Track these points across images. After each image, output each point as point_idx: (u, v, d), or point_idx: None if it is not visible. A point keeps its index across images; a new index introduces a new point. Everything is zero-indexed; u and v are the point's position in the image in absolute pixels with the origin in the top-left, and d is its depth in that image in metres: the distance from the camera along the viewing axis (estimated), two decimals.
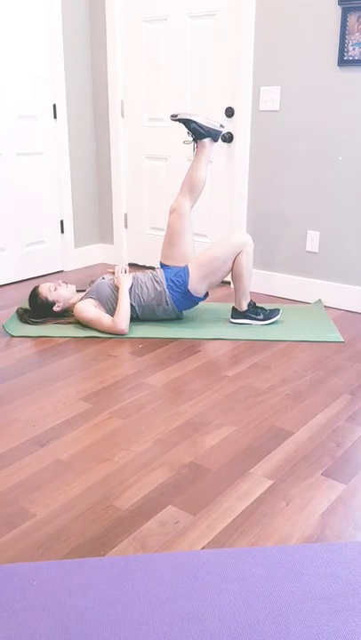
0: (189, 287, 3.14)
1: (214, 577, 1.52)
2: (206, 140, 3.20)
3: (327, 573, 1.54)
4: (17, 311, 3.37)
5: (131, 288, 3.17)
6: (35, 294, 3.26)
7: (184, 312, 3.35)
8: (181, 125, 3.64)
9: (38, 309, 3.26)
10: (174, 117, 3.15)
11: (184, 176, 3.31)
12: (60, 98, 4.13)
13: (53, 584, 1.50)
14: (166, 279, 3.17)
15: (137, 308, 3.20)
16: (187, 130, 3.19)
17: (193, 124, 3.15)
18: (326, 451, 2.09)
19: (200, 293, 3.18)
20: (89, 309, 3.13)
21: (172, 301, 3.17)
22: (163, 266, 3.31)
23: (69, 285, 3.30)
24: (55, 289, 3.24)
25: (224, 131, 3.22)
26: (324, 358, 2.86)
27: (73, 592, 1.48)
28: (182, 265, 3.23)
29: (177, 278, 3.15)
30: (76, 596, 1.46)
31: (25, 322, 3.28)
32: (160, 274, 3.21)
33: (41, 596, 1.47)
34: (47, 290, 3.24)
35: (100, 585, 1.50)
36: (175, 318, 3.28)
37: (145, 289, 3.18)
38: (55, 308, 3.24)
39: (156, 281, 3.18)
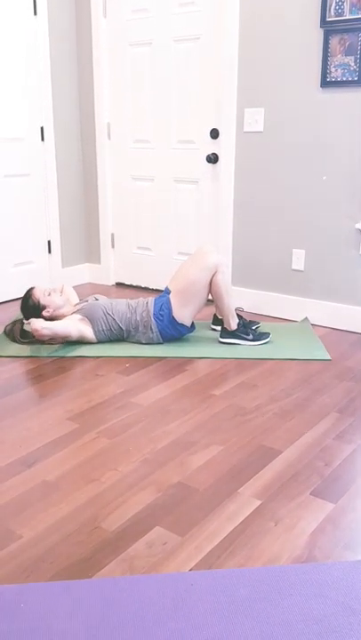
0: (174, 314, 3.16)
1: (203, 598, 1.51)
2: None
3: (317, 594, 1.53)
4: (4, 329, 3.36)
5: (124, 312, 3.24)
6: (28, 295, 3.28)
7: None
8: (165, 146, 3.70)
9: (28, 310, 3.26)
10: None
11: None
12: (47, 120, 4.16)
13: (40, 606, 1.48)
14: (154, 308, 3.21)
15: (125, 332, 3.22)
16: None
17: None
18: (315, 470, 2.09)
19: (186, 321, 3.20)
20: (69, 322, 3.15)
21: (157, 330, 3.19)
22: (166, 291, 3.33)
23: (64, 295, 3.31)
24: (49, 294, 3.26)
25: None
26: (311, 376, 2.87)
27: (60, 615, 1.45)
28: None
29: (161, 311, 3.19)
30: (64, 619, 1.44)
31: (13, 339, 3.27)
32: (150, 304, 3.23)
33: (28, 618, 1.44)
34: (41, 293, 3.26)
35: (88, 607, 1.48)
36: (156, 344, 3.28)
37: (134, 315, 3.20)
38: (44, 313, 3.24)
39: (146, 309, 3.22)
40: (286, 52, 3.41)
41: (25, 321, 3.30)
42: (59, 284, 3.58)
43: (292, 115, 3.47)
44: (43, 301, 3.24)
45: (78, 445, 2.25)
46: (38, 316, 3.25)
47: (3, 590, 1.53)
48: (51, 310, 3.24)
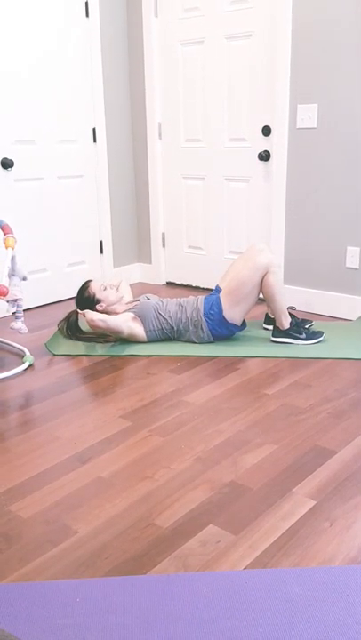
0: (224, 314, 3.15)
1: (257, 597, 1.50)
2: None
3: None
4: (59, 326, 3.44)
5: (174, 311, 3.26)
6: (84, 287, 3.35)
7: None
8: (216, 144, 3.70)
9: (82, 302, 3.33)
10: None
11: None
12: (99, 122, 4.22)
13: (96, 601, 1.50)
14: (204, 308, 3.21)
15: (175, 331, 3.24)
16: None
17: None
18: None
19: (236, 320, 3.19)
20: (121, 319, 3.19)
21: (207, 329, 3.19)
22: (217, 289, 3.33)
23: (119, 292, 3.37)
24: (105, 289, 3.32)
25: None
26: None
27: (115, 610, 1.47)
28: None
29: (211, 310, 3.18)
30: (119, 614, 1.46)
31: (69, 333, 3.35)
32: (200, 303, 3.24)
33: (84, 613, 1.47)
34: (98, 287, 3.32)
35: (143, 603, 1.49)
36: (208, 343, 3.27)
37: (184, 315, 3.22)
38: (98, 307, 3.30)
39: (196, 309, 3.22)
40: (340, 47, 3.35)
41: (79, 311, 3.36)
42: (116, 280, 3.62)
43: (347, 111, 3.41)
44: (98, 295, 3.30)
45: (131, 443, 2.27)
46: (92, 308, 3.31)
47: (59, 585, 1.56)
48: (104, 305, 3.30)
